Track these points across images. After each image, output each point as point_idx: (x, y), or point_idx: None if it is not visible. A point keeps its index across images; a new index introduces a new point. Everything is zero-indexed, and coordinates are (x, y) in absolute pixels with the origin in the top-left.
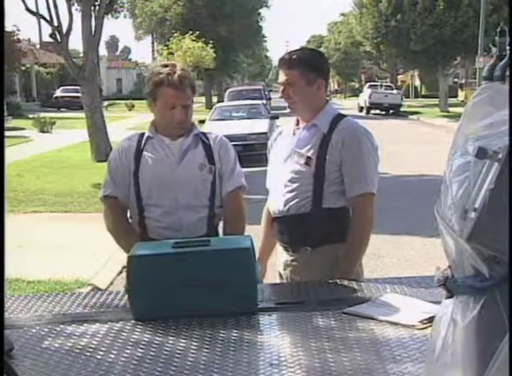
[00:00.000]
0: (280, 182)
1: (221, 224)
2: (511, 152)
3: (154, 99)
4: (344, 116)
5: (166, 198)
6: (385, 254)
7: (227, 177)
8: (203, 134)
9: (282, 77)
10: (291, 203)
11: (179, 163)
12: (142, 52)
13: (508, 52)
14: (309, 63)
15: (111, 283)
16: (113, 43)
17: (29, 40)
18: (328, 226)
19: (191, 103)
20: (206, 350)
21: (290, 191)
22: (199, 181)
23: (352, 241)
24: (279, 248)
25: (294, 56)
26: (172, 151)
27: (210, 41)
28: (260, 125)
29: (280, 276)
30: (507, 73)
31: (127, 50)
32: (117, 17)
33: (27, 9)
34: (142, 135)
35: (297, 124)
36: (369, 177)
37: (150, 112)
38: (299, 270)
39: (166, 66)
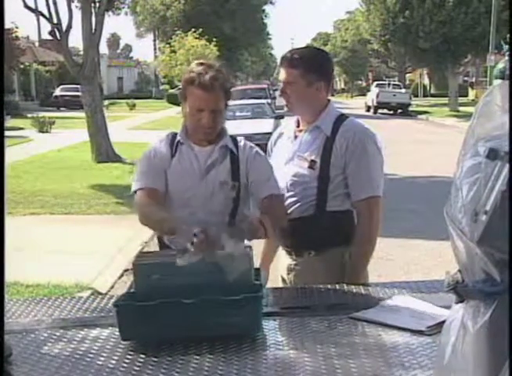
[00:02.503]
0: (282, 186)
1: None
2: (511, 152)
3: (184, 98)
4: (347, 116)
5: (183, 212)
6: (393, 258)
7: (261, 184)
8: (233, 140)
9: (282, 76)
10: (294, 206)
11: (203, 178)
12: (144, 50)
13: None
14: (311, 64)
15: (112, 287)
16: (114, 41)
17: (27, 37)
18: (332, 230)
19: (222, 108)
20: (209, 355)
21: (293, 195)
22: (220, 199)
23: (359, 247)
24: (281, 252)
25: (296, 55)
26: (199, 161)
27: (214, 39)
28: (264, 125)
29: (283, 280)
30: None
31: (128, 48)
32: (118, 14)
33: (26, 6)
34: (174, 137)
35: (298, 125)
36: (375, 180)
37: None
38: (303, 274)
39: (201, 64)
